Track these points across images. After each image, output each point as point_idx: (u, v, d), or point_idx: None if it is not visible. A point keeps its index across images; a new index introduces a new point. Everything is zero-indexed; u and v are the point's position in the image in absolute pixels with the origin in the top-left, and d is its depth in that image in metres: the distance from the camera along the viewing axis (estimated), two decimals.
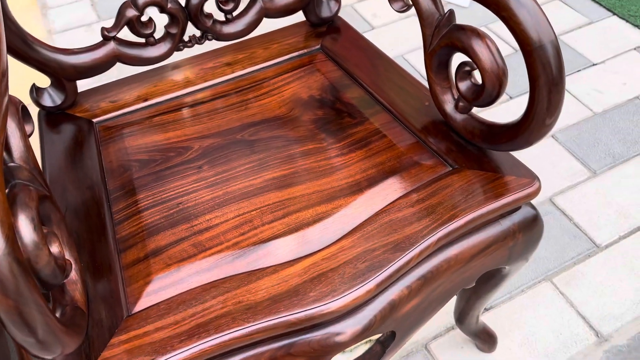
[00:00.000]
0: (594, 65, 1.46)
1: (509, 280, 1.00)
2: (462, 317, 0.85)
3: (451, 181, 0.61)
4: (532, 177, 0.61)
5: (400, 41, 1.56)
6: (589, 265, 1.05)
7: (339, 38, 0.80)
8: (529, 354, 0.94)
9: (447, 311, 0.99)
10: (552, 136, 1.28)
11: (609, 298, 1.00)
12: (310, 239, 0.57)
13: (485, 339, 0.91)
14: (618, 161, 1.23)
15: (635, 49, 1.50)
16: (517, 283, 1.02)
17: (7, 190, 0.45)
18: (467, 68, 0.60)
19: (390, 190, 0.61)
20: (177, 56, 0.76)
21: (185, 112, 0.71)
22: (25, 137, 0.49)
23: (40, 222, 0.45)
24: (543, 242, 1.08)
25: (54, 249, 0.47)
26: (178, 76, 0.76)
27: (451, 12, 0.60)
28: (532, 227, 0.65)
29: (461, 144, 0.64)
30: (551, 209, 1.14)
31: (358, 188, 0.61)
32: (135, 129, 0.69)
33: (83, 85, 0.72)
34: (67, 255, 0.51)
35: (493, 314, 0.98)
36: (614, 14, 1.61)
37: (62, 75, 0.68)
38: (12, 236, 0.37)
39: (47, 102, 0.69)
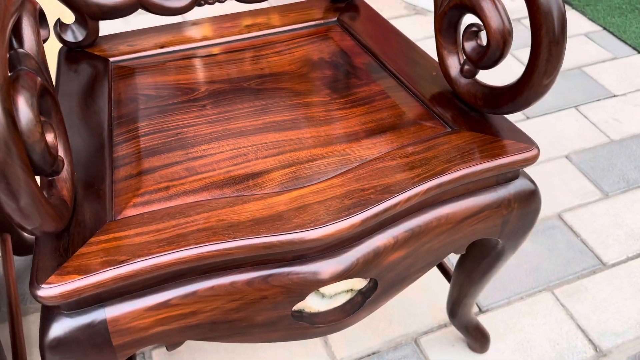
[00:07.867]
0: (614, 96, 1.46)
1: (503, 268, 0.98)
2: (455, 307, 0.83)
3: (449, 139, 0.61)
4: (530, 143, 0.60)
5: None
6: (594, 281, 1.02)
7: (356, 15, 0.82)
8: None
9: (441, 307, 0.96)
10: (566, 157, 1.27)
11: (612, 315, 0.96)
12: (302, 175, 0.57)
13: (478, 337, 0.88)
14: (632, 186, 1.21)
15: None
16: (517, 289, 1.00)
17: (11, 73, 0.47)
18: (475, 29, 0.61)
19: (387, 142, 0.61)
20: (197, 15, 0.79)
21: (198, 60, 0.73)
22: (39, 35, 0.51)
23: (38, 108, 0.47)
24: (547, 254, 1.06)
25: (49, 138, 0.49)
26: (196, 32, 0.78)
27: None
28: (528, 200, 0.64)
29: (464, 110, 0.64)
30: (559, 224, 1.12)
31: (355, 137, 0.62)
32: (148, 70, 0.71)
33: (105, 30, 0.75)
34: (61, 153, 0.52)
35: (488, 316, 0.96)
36: (639, 52, 1.62)
37: (87, 12, 0.71)
38: (7, 87, 0.38)
39: (69, 37, 0.72)
